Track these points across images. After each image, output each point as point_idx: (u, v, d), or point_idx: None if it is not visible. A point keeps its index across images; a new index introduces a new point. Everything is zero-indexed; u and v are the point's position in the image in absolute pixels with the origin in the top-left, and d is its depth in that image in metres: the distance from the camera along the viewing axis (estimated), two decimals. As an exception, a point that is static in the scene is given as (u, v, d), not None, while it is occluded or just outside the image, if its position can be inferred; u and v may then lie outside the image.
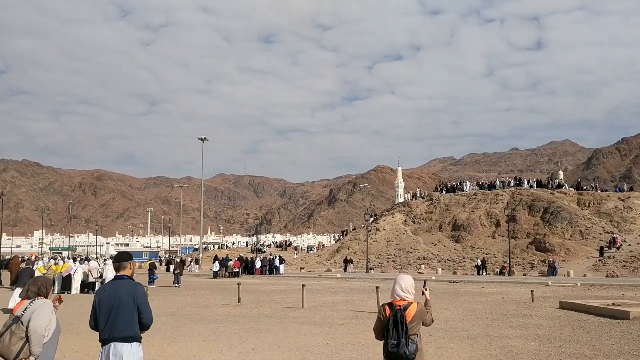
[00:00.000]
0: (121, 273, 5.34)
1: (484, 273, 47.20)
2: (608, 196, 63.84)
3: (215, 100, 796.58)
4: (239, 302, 21.47)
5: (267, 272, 46.90)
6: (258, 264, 47.18)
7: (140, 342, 5.23)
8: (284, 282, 36.73)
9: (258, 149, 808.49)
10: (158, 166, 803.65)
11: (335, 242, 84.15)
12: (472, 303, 21.41)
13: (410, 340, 4.97)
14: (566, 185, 73.99)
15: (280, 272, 46.83)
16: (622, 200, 61.24)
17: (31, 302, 5.19)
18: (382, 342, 5.16)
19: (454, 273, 49.29)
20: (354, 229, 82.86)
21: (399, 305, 5.12)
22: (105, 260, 37.32)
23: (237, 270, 44.59)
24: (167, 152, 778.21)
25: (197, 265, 58.78)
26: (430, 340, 12.57)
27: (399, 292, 5.23)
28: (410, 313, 5.07)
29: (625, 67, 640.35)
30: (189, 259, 67.96)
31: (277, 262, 47.72)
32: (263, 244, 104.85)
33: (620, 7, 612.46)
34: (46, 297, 5.33)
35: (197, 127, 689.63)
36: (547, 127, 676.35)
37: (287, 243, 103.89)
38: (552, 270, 44.66)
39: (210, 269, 46.10)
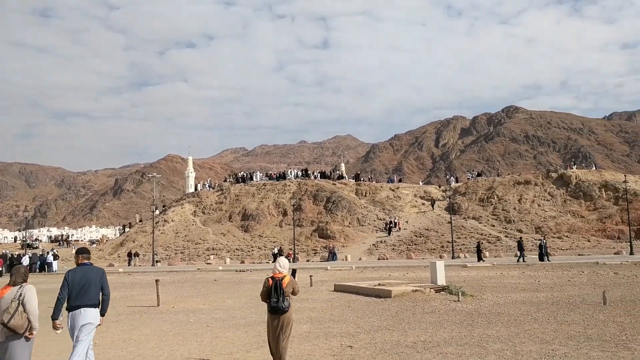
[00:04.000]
0: (86, 261, 7.53)
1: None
2: (381, 187, 70.37)
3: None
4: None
5: (38, 269, 42.40)
6: (26, 261, 42.37)
7: (98, 307, 7.35)
8: (57, 279, 33.47)
9: (31, 134, 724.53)
10: None
11: (120, 235, 79.58)
12: (255, 291, 21.72)
13: (285, 299, 7.69)
14: (347, 176, 79.85)
15: (54, 269, 42.72)
16: (393, 190, 68.02)
17: (20, 287, 6.80)
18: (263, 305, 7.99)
19: (242, 262, 50.00)
20: (140, 221, 79.10)
21: (278, 277, 7.79)
22: None
23: (0, 269, 39.51)
24: None
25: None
26: (207, 330, 12.39)
27: (279, 268, 7.97)
28: (285, 282, 7.77)
29: (399, 71, 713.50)
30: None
31: (50, 258, 43.41)
32: (36, 238, 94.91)
33: (395, 15, 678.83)
34: (27, 281, 6.99)
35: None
36: (333, 123, 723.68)
37: (65, 237, 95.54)
38: (332, 256, 47.81)
39: (-34, 269, 40.20)
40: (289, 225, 58.82)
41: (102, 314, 7.44)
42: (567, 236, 51.33)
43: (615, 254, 43.08)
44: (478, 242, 44.33)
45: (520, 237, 43.03)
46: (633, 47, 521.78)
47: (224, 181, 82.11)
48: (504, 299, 16.56)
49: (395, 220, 57.29)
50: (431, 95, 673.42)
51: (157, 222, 63.66)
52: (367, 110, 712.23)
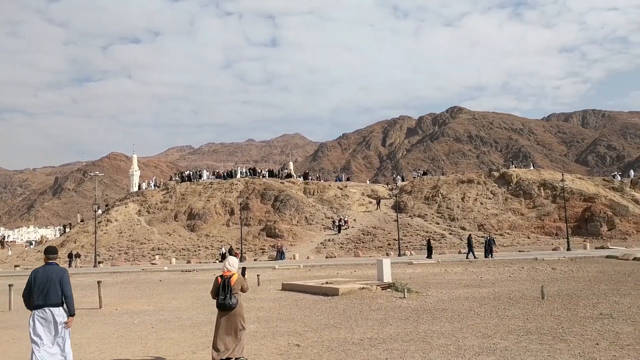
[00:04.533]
0: (52, 261, 7.63)
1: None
2: (329, 185, 70.74)
3: None
4: None
5: (-28, 272, 40.46)
6: (-41, 264, 40.39)
7: (63, 306, 7.41)
8: (-8, 282, 32.04)
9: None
10: None
11: (60, 235, 76.89)
12: (201, 291, 21.47)
13: (232, 296, 8.10)
14: (295, 175, 79.85)
15: (-11, 272, 40.89)
16: (341, 189, 68.51)
17: None
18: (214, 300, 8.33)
19: (188, 262, 49.25)
20: (81, 221, 76.62)
21: (227, 275, 8.21)
22: None
23: None
24: None
25: None
26: (151, 332, 12.14)
27: (228, 267, 8.37)
28: (233, 280, 8.20)
29: (347, 70, 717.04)
30: None
31: (-16, 260, 41.49)
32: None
33: (343, 15, 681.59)
34: None
35: None
36: (281, 121, 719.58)
37: (0, 238, 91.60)
38: (280, 255, 47.73)
39: None
40: (236, 224, 58.32)
41: (71, 314, 7.45)
42: (508, 233, 53.02)
43: (553, 250, 44.82)
44: (429, 239, 45.10)
45: (470, 234, 44.04)
46: (570, 51, 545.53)
47: (170, 180, 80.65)
48: (448, 295, 16.95)
49: (345, 218, 57.85)
50: (379, 95, 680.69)
51: (99, 222, 61.88)
52: (316, 109, 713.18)
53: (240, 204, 58.97)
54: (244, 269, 8.70)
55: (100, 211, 66.67)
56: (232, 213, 62.89)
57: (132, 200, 71.19)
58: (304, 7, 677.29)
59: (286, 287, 20.73)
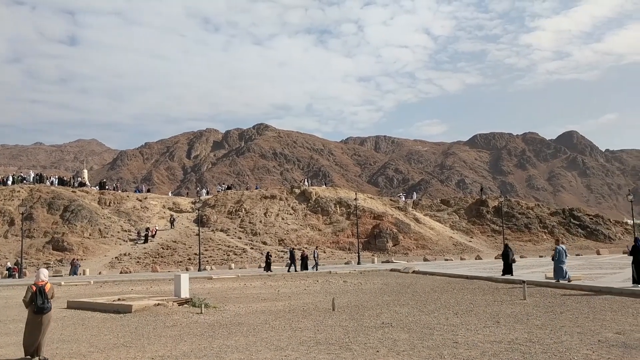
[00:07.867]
0: None
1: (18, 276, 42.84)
2: (128, 196, 67.21)
3: None
4: None
5: None
6: None
7: None
8: None
9: None
10: None
11: None
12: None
13: (48, 301, 9.72)
14: (90, 184, 74.37)
15: None
16: (140, 200, 65.49)
17: None
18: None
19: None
20: None
21: (41, 284, 9.71)
22: None
23: None
24: None
25: None
26: None
27: (41, 277, 9.93)
28: (47, 287, 9.79)
29: (155, 78, 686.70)
30: None
31: None
32: None
33: (152, 21, 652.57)
34: None
35: None
36: (76, 125, 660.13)
37: None
38: (74, 269, 43.78)
39: None
40: (17, 236, 52.30)
41: None
42: (306, 248, 55.35)
43: (345, 263, 47.90)
44: (267, 252, 44.25)
45: (292, 248, 44.74)
46: (367, 80, 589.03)
47: None
48: (245, 309, 17.05)
49: (156, 227, 56.57)
50: (186, 106, 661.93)
51: None
52: (117, 115, 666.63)
53: (22, 214, 53.02)
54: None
55: None
56: (12, 223, 56.23)
57: None
58: (109, 6, 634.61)
59: (72, 305, 19.04)
